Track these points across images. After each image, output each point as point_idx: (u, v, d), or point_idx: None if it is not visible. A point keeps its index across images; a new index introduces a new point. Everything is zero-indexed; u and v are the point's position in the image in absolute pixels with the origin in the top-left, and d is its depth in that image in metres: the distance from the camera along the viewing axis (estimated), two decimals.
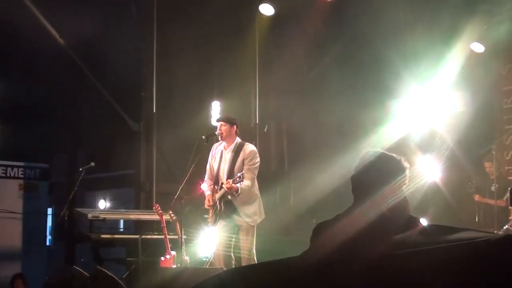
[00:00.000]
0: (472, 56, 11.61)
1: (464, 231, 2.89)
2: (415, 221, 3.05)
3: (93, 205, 14.85)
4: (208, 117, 12.52)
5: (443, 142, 11.56)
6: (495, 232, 9.23)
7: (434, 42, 11.55)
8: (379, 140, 11.11)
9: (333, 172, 11.00)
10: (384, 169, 3.16)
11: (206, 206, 8.20)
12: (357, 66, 12.05)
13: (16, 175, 12.39)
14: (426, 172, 11.20)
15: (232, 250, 8.06)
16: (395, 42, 11.65)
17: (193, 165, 8.28)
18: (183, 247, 8.47)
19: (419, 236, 2.88)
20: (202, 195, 8.42)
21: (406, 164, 3.21)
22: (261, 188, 8.30)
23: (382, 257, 2.82)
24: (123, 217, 11.42)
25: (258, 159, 8.11)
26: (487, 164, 10.93)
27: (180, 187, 8.37)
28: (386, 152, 3.26)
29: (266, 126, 13.21)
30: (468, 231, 2.90)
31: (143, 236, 9.63)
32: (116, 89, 12.53)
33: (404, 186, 3.16)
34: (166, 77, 12.39)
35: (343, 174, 10.39)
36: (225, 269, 7.49)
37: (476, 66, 11.56)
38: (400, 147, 10.76)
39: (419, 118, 11.71)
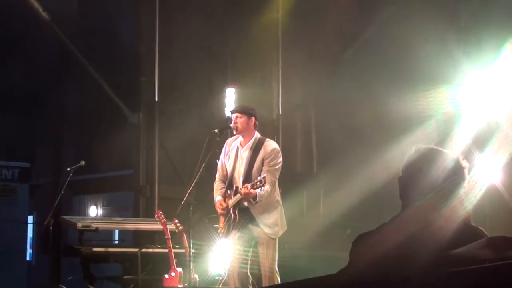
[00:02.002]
0: None
1: None
2: (478, 232, 3.02)
3: (83, 213, 14.92)
4: (221, 106, 12.54)
5: (506, 138, 11.49)
6: None
7: (496, 18, 11.46)
8: (427, 135, 11.06)
9: (372, 174, 10.97)
10: (438, 168, 3.13)
11: (219, 212, 8.15)
12: (402, 45, 11.95)
13: None
14: (483, 173, 11.13)
15: (249, 267, 8.06)
16: (449, 16, 11.56)
17: (203, 165, 8.28)
18: (191, 263, 8.49)
19: (485, 250, 2.84)
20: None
21: (465, 163, 3.18)
22: (284, 193, 8.28)
23: (430, 275, 2.79)
24: (119, 226, 11.46)
25: (281, 159, 8.06)
26: None
27: (188, 191, 8.37)
28: (440, 148, 3.23)
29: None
30: None
31: (143, 250, 9.66)
32: (111, 73, 12.57)
33: (462, 190, 3.12)
34: (170, 58, 12.40)
35: (384, 175, 10.41)
36: None
37: None
38: (453, 143, 10.70)
39: (477, 109, 11.64)
